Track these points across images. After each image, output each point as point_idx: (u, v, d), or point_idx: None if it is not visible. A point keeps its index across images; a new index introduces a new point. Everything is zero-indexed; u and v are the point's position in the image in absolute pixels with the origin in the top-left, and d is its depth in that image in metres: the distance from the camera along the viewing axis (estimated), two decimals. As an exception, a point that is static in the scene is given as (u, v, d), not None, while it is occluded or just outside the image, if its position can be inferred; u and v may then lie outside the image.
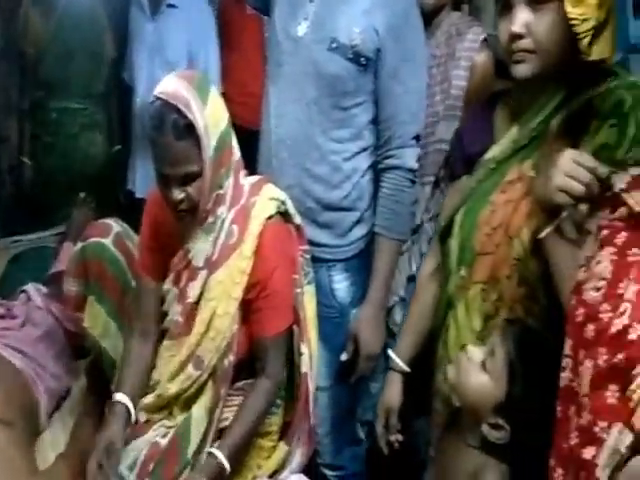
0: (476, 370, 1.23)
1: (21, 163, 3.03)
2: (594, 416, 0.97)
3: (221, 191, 1.54)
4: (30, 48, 2.89)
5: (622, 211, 1.03)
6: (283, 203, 1.61)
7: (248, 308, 1.56)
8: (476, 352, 1.25)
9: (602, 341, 0.98)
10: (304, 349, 1.62)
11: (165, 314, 1.65)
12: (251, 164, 1.88)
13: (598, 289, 1.01)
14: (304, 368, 1.62)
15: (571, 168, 1.08)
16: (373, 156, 1.85)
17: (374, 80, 1.79)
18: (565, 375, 1.05)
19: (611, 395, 0.95)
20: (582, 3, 1.28)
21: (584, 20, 1.29)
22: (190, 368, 1.58)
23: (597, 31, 1.31)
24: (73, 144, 2.97)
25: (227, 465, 1.51)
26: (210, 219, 1.55)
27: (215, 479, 1.50)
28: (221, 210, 1.55)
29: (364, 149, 1.85)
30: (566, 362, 1.05)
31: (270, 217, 1.57)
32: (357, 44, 1.74)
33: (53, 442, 1.72)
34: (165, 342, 1.63)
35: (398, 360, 1.59)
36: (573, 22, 1.30)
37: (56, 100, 2.95)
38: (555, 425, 1.06)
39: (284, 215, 1.61)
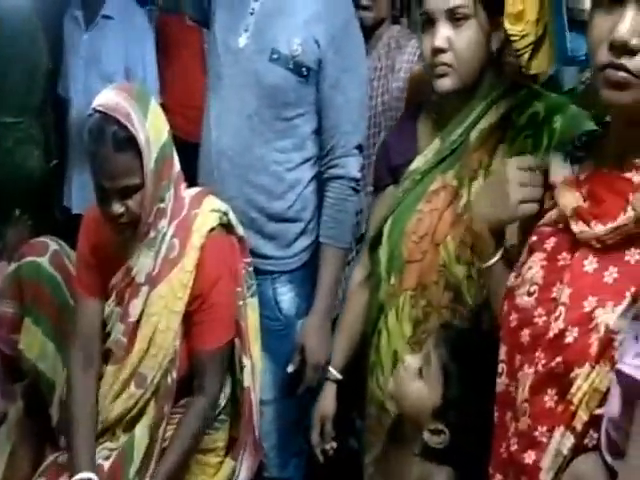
0: (412, 378, 1.27)
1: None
2: (533, 421, 0.98)
3: (162, 204, 1.54)
4: None
5: (550, 216, 1.06)
6: (225, 214, 1.61)
7: (189, 321, 1.57)
8: (411, 360, 1.29)
9: (539, 346, 0.99)
10: (246, 362, 1.63)
11: (108, 335, 1.64)
12: (191, 176, 1.89)
13: (531, 294, 1.03)
14: (246, 382, 1.63)
15: (522, 176, 1.10)
16: (316, 166, 1.89)
17: (316, 91, 1.82)
18: (501, 380, 1.07)
19: (550, 399, 0.97)
20: (521, 20, 1.37)
21: (523, 36, 1.38)
22: (132, 387, 1.58)
23: (536, 46, 1.40)
24: (8, 159, 2.94)
25: None
26: (151, 233, 1.55)
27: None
28: (162, 224, 1.55)
29: (307, 159, 1.88)
30: (502, 367, 1.08)
31: (212, 229, 1.57)
32: (298, 55, 1.78)
33: None
34: (109, 367, 1.62)
35: (331, 369, 1.64)
36: (513, 38, 1.39)
37: (-9, 114, 2.86)
38: (493, 431, 1.09)
39: (226, 227, 1.62)
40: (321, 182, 1.89)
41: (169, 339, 1.55)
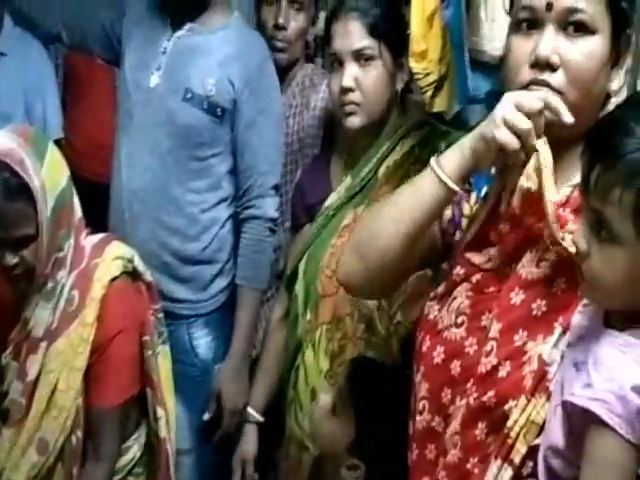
0: (326, 416, 1.29)
1: None
2: (465, 453, 1.00)
3: (60, 254, 1.49)
4: None
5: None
6: (130, 261, 1.56)
7: (88, 376, 1.50)
8: (325, 398, 1.32)
9: (471, 377, 1.01)
10: (160, 413, 1.58)
11: (5, 393, 1.55)
12: (101, 219, 1.88)
13: (459, 325, 1.04)
14: (162, 433, 1.58)
15: (518, 95, 0.99)
16: (232, 206, 1.91)
17: (231, 131, 1.86)
18: (422, 418, 1.09)
19: (480, 432, 0.99)
20: (424, 59, 1.49)
21: (426, 74, 1.49)
22: (33, 453, 1.49)
23: (438, 84, 1.51)
24: None
25: None
26: (49, 284, 1.50)
27: None
28: (61, 274, 1.49)
29: (223, 199, 1.90)
30: (423, 405, 1.08)
31: (114, 279, 1.51)
32: (212, 95, 1.82)
33: None
34: (5, 430, 1.53)
35: (252, 411, 1.65)
36: (417, 76, 1.51)
37: None
38: (411, 468, 1.11)
39: (132, 274, 1.56)
40: (237, 222, 1.91)
41: (70, 399, 1.48)
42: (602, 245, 0.86)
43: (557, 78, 0.98)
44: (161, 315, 1.62)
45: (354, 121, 1.50)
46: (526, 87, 0.99)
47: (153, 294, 1.61)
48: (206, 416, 1.81)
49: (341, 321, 1.44)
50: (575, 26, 0.98)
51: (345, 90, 1.49)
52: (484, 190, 1.09)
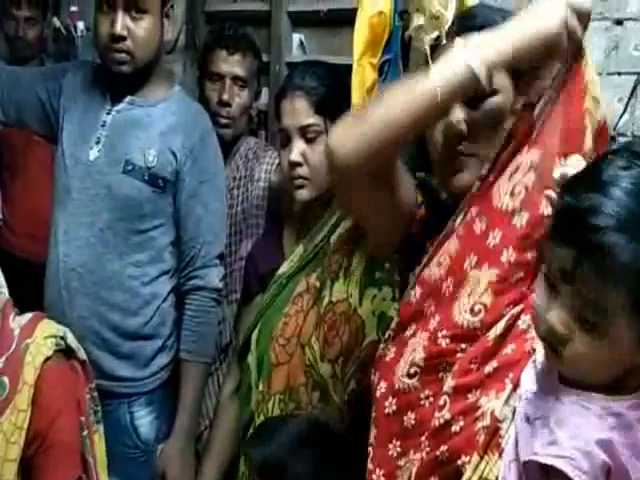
0: None
1: None
2: None
3: None
4: None
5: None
6: (62, 339, 1.48)
7: (28, 467, 1.41)
8: None
9: (426, 430, 1.01)
10: None
11: None
12: (37, 297, 1.81)
13: (412, 376, 1.04)
14: None
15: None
16: (174, 280, 1.87)
17: (173, 202, 1.84)
18: (368, 464, 1.06)
19: None
20: None
21: None
22: None
23: None
24: None
25: None
26: None
27: None
28: None
29: (165, 272, 1.86)
30: (370, 450, 1.07)
31: (47, 359, 1.43)
32: (154, 166, 1.81)
33: None
34: None
35: None
36: None
37: None
38: None
39: (66, 352, 1.49)
40: (180, 296, 1.86)
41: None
42: (588, 332, 0.84)
43: (466, 146, 1.09)
44: (95, 394, 1.53)
45: (303, 194, 1.53)
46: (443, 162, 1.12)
47: (88, 373, 1.52)
48: (151, 500, 1.72)
49: (294, 391, 1.40)
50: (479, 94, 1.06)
51: (293, 164, 1.52)
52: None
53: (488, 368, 0.97)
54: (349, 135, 1.08)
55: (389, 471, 1.02)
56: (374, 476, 1.03)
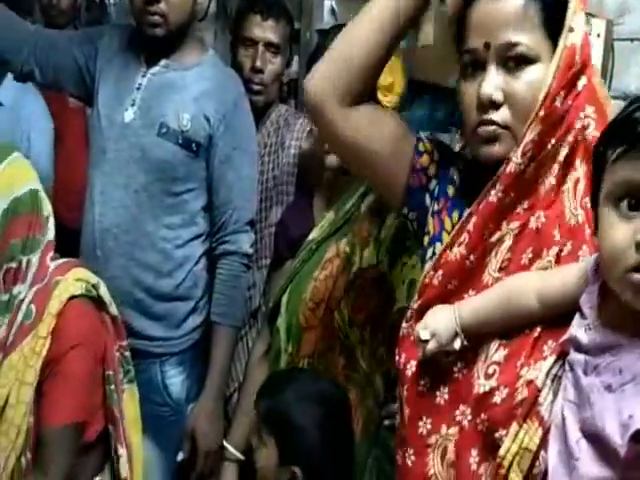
0: (258, 453, 1.31)
1: None
2: None
3: (12, 264, 1.43)
4: None
5: None
6: (94, 287, 1.51)
7: (40, 393, 1.45)
8: (254, 440, 1.33)
9: (460, 405, 0.99)
10: (121, 451, 1.50)
11: None
12: None
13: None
14: (123, 473, 1.50)
15: None
16: (207, 243, 1.87)
17: (206, 167, 1.84)
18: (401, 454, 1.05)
19: (473, 461, 0.96)
20: (391, 91, 1.48)
21: (394, 108, 1.46)
22: None
23: None
24: None
25: None
26: (3, 297, 1.44)
27: None
28: (18, 289, 1.45)
29: (197, 236, 1.86)
30: (404, 433, 1.05)
31: (74, 297, 1.46)
32: (187, 130, 1.80)
33: None
34: None
35: (232, 449, 1.56)
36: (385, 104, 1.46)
37: None
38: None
39: (97, 302, 1.51)
40: (212, 259, 1.86)
41: (20, 414, 1.41)
42: None
43: (502, 115, 1.00)
44: (127, 353, 1.55)
45: (335, 160, 1.50)
46: (475, 129, 1.02)
47: (119, 330, 1.55)
48: (180, 457, 1.73)
49: (323, 355, 1.40)
50: (515, 59, 1.00)
51: None
52: (464, 211, 1.07)
53: (531, 336, 0.94)
54: (317, 67, 1.10)
55: (419, 450, 1.00)
56: (406, 455, 1.02)
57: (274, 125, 2.10)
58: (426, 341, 0.98)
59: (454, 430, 0.97)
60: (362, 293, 1.35)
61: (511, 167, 0.98)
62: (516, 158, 0.98)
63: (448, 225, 1.09)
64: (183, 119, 1.78)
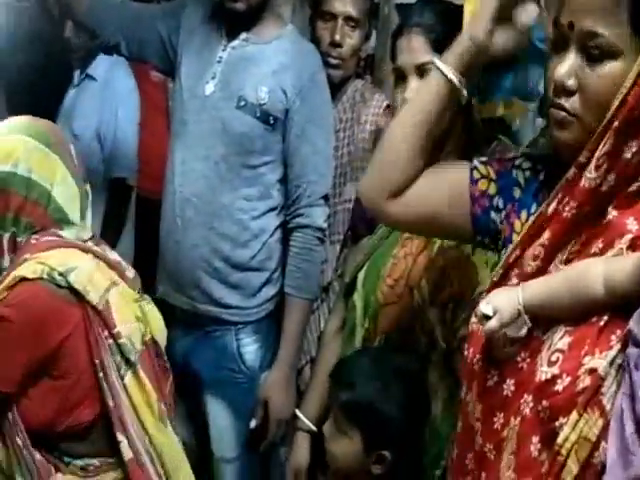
0: (334, 442, 1.30)
1: None
2: (518, 474, 0.93)
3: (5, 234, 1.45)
4: None
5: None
6: (61, 275, 1.40)
7: None
8: (326, 429, 1.31)
9: (525, 392, 0.96)
10: (121, 437, 1.43)
11: None
12: (148, 232, 1.86)
13: (512, 341, 0.99)
14: (127, 455, 1.44)
15: None
16: (282, 216, 1.87)
17: (282, 140, 1.83)
18: (477, 439, 1.02)
19: (534, 448, 0.93)
20: None
21: None
22: None
23: None
24: None
25: None
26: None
27: None
28: (3, 261, 1.45)
29: (272, 208, 1.86)
30: (477, 426, 1.02)
31: (27, 279, 1.38)
32: (265, 103, 1.79)
33: None
34: None
35: (305, 420, 1.57)
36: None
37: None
38: (451, 470, 1.07)
39: (73, 291, 1.41)
40: (286, 232, 1.86)
41: None
42: None
43: (572, 102, 0.97)
44: (123, 340, 1.45)
45: None
46: (550, 109, 0.99)
47: (105, 318, 1.45)
48: (252, 424, 1.75)
49: (402, 332, 1.37)
50: (597, 49, 0.94)
51: None
52: (534, 207, 1.04)
53: (597, 325, 0.90)
54: (367, 172, 1.16)
55: (497, 444, 0.97)
56: (485, 449, 0.99)
57: (350, 100, 2.07)
58: (488, 318, 0.95)
59: (518, 420, 0.94)
60: (443, 272, 1.33)
61: (585, 182, 0.93)
62: (590, 173, 0.92)
63: (518, 226, 1.07)
64: (261, 92, 1.77)
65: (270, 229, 1.83)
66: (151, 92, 2.66)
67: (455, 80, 1.08)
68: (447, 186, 1.12)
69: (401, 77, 1.45)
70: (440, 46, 1.41)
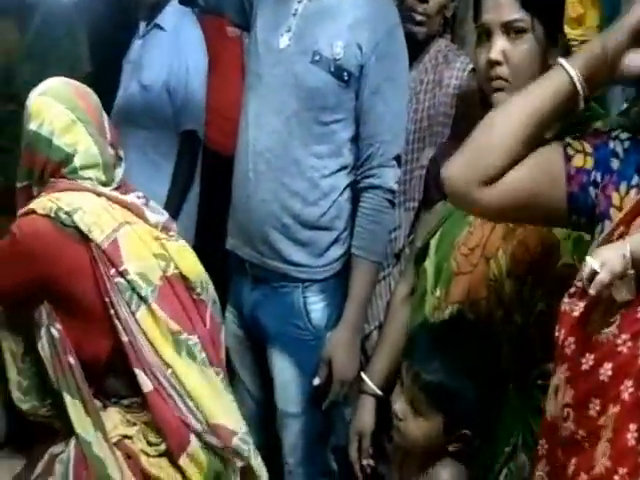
0: (410, 423, 1.26)
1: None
2: (613, 462, 0.90)
3: (18, 184, 1.56)
4: (1, 59, 2.77)
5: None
6: (67, 214, 1.47)
7: None
8: (401, 409, 1.27)
9: (625, 377, 0.91)
10: (137, 371, 1.47)
11: None
12: (219, 188, 1.85)
13: (610, 323, 0.93)
14: (146, 388, 1.47)
15: None
16: (352, 175, 1.81)
17: (355, 97, 1.75)
18: (567, 425, 0.97)
19: (631, 437, 0.89)
20: (581, 24, 1.38)
21: (582, 42, 1.36)
22: None
23: None
24: None
25: None
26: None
27: None
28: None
29: (343, 167, 1.80)
30: (567, 412, 0.97)
31: (35, 212, 1.48)
32: (340, 58, 1.72)
33: None
34: None
35: (370, 383, 1.54)
36: (572, 43, 1.37)
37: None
38: (537, 460, 1.02)
39: (78, 230, 1.48)
40: (356, 192, 1.80)
41: None
42: None
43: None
44: (131, 276, 1.48)
45: (501, 97, 1.34)
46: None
47: (112, 257, 1.48)
48: (316, 381, 1.73)
49: (474, 303, 1.31)
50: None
51: (492, 64, 1.33)
52: (635, 180, 0.97)
53: None
54: (455, 158, 1.09)
55: (591, 431, 0.92)
56: (578, 436, 0.94)
57: (432, 61, 1.97)
58: (595, 274, 0.89)
59: (617, 408, 0.89)
60: (523, 243, 1.25)
61: None
62: None
63: (616, 200, 1.00)
64: (336, 47, 1.70)
65: (340, 188, 1.77)
66: (227, 47, 2.61)
67: (577, 84, 1.04)
68: (540, 168, 1.06)
69: (486, 35, 1.35)
70: (529, 3, 1.31)
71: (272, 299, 1.79)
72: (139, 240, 1.52)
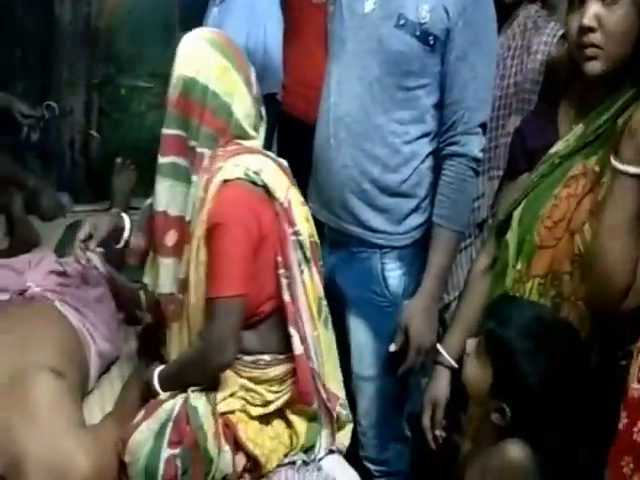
0: (470, 361, 1.27)
1: (87, 136, 3.03)
2: None
3: (194, 143, 1.50)
4: (102, 23, 2.88)
5: None
6: (256, 173, 1.49)
7: None
8: (470, 343, 1.28)
9: None
10: (292, 331, 1.49)
11: None
12: (302, 155, 1.80)
13: None
14: (297, 350, 1.49)
15: None
16: (434, 143, 1.75)
17: (440, 62, 1.68)
18: None
19: None
20: None
21: None
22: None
23: None
24: (140, 122, 2.98)
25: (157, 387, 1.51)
26: (193, 178, 1.51)
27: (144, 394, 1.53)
28: (197, 177, 1.50)
29: (426, 134, 1.74)
30: None
31: (229, 180, 1.47)
32: (426, 22, 1.65)
33: (100, 402, 1.69)
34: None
35: (446, 355, 1.52)
36: None
37: (125, 77, 2.98)
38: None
39: (261, 186, 1.49)
40: (439, 159, 1.74)
41: (202, 289, 1.47)
42: None
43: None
44: (302, 237, 1.51)
45: (594, 66, 1.26)
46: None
47: (290, 216, 1.51)
48: (392, 348, 1.71)
49: (557, 278, 1.25)
50: None
51: (585, 30, 1.25)
52: None
53: None
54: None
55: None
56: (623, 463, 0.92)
57: (521, 27, 1.86)
58: None
59: None
60: None
61: None
62: None
63: None
64: (422, 10, 1.63)
65: (422, 155, 1.72)
66: (311, 14, 2.57)
67: None
68: None
69: (579, 0, 1.27)
70: None
71: (350, 264, 1.78)
72: (300, 203, 1.57)
